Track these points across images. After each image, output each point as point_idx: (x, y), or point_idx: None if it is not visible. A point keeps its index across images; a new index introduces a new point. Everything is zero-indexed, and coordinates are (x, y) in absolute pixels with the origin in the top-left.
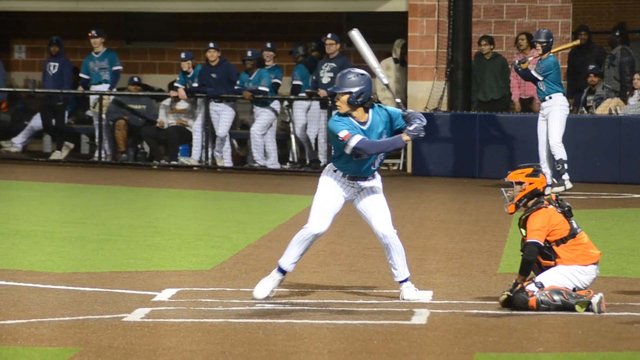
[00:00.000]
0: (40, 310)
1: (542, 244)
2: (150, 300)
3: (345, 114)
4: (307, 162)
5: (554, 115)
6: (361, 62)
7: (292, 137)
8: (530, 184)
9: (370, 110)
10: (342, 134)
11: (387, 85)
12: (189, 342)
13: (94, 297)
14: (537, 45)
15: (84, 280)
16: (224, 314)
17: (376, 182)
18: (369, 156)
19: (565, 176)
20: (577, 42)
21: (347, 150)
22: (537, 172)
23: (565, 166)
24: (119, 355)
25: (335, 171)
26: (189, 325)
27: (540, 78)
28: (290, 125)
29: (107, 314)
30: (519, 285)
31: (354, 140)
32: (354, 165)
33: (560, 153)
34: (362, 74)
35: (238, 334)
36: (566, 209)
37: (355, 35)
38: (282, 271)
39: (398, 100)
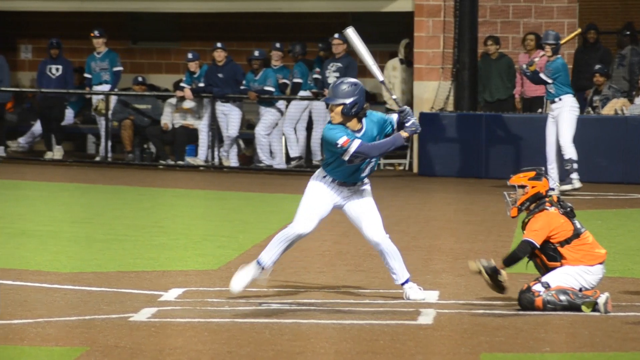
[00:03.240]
0: (46, 310)
1: (537, 245)
2: (157, 300)
3: (339, 124)
4: (285, 158)
5: (564, 116)
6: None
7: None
8: (532, 187)
9: (364, 119)
10: (342, 140)
11: (382, 82)
12: (196, 342)
13: (100, 296)
14: (546, 47)
15: (90, 280)
16: (231, 314)
17: (366, 187)
18: (365, 159)
19: (574, 175)
20: (579, 30)
21: (347, 157)
22: (539, 176)
23: (575, 166)
24: (126, 355)
25: (324, 177)
26: (195, 325)
27: (550, 81)
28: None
29: (114, 313)
30: (525, 285)
31: (354, 146)
32: (345, 172)
33: (571, 153)
34: (355, 84)
35: (244, 334)
36: (568, 209)
37: (351, 33)
38: (261, 266)
39: (394, 97)
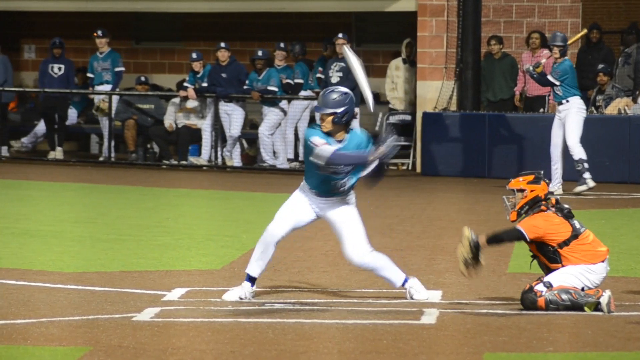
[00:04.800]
0: (50, 309)
1: (527, 237)
2: (160, 300)
3: (328, 132)
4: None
5: (571, 118)
6: (370, 62)
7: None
8: (531, 191)
9: (348, 134)
10: (317, 140)
11: (372, 109)
12: (199, 342)
13: (103, 296)
14: (554, 48)
15: (93, 280)
16: (234, 314)
17: (349, 198)
18: (336, 173)
19: (587, 175)
20: (585, 31)
21: (315, 158)
22: (538, 179)
23: (586, 165)
24: (129, 355)
25: (305, 184)
26: (198, 325)
27: (558, 83)
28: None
29: (117, 313)
30: (527, 285)
31: (328, 150)
32: (317, 180)
33: (579, 153)
34: (345, 93)
35: (248, 334)
36: (565, 211)
37: (347, 51)
38: (252, 280)
39: (380, 124)
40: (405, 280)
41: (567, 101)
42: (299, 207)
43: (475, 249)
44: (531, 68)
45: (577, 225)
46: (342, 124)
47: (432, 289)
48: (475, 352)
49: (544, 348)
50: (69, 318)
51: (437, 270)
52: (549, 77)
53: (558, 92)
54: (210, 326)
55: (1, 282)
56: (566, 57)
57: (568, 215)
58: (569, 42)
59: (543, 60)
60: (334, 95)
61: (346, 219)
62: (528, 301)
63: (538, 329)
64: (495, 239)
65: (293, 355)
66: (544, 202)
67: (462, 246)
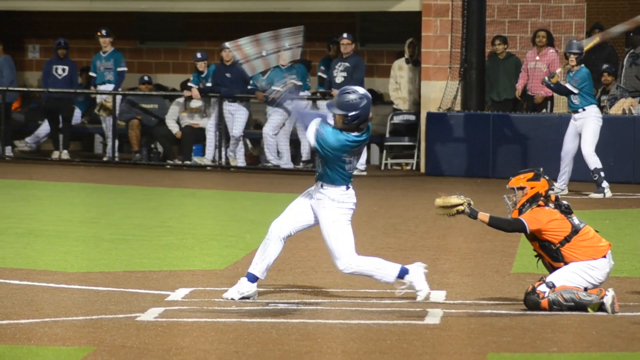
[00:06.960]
0: (54, 309)
1: (527, 229)
2: (164, 300)
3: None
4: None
5: (588, 127)
6: (374, 62)
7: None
8: (531, 188)
9: (349, 135)
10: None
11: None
12: (203, 342)
13: (107, 296)
14: (571, 56)
15: (97, 280)
16: (238, 314)
17: (325, 206)
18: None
19: (605, 184)
20: (597, 39)
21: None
22: (538, 176)
23: (602, 174)
24: (133, 355)
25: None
26: (202, 325)
27: (576, 91)
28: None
29: (121, 313)
30: (530, 287)
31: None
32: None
33: (595, 162)
34: (361, 97)
35: (251, 334)
36: (564, 207)
37: None
38: (253, 279)
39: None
40: (401, 276)
41: (584, 110)
42: (300, 203)
43: (470, 216)
44: (547, 78)
45: (576, 222)
46: (352, 125)
47: (436, 289)
48: (479, 353)
49: (548, 348)
50: (73, 318)
51: (441, 271)
52: (567, 86)
53: (574, 101)
54: (213, 326)
55: (5, 282)
56: (582, 65)
57: (566, 212)
58: (585, 48)
59: (558, 70)
60: (350, 97)
61: (325, 231)
62: (531, 303)
63: (542, 330)
64: (497, 223)
65: (297, 355)
66: (542, 198)
67: (450, 213)
